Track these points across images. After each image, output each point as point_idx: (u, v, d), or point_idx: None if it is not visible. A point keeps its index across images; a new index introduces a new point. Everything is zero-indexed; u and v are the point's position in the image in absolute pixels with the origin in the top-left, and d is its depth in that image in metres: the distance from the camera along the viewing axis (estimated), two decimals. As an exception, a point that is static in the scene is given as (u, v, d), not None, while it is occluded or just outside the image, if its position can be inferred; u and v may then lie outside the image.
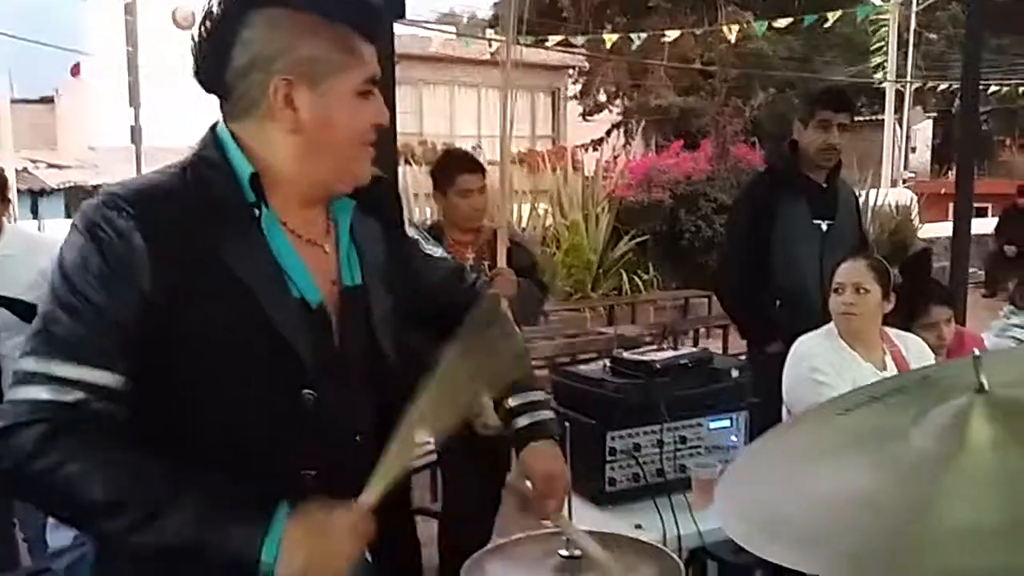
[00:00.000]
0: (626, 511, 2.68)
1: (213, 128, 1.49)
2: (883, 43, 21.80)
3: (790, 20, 15.84)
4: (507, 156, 3.95)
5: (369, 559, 1.60)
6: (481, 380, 1.50)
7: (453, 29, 17.56)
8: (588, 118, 20.83)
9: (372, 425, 1.58)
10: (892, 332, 3.29)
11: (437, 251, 1.81)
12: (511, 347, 1.61)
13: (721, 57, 16.17)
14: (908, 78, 21.88)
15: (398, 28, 4.28)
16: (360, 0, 1.48)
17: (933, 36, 24.52)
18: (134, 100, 11.57)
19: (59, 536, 2.79)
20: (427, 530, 4.04)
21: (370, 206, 1.60)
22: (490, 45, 15.28)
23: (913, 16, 22.20)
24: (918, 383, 1.37)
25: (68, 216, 13.26)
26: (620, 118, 20.82)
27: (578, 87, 21.34)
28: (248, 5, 1.41)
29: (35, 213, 14.62)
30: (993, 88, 20.23)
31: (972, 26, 5.27)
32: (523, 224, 10.89)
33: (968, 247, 5.17)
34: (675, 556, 1.81)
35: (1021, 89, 20.76)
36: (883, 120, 21.71)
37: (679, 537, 2.50)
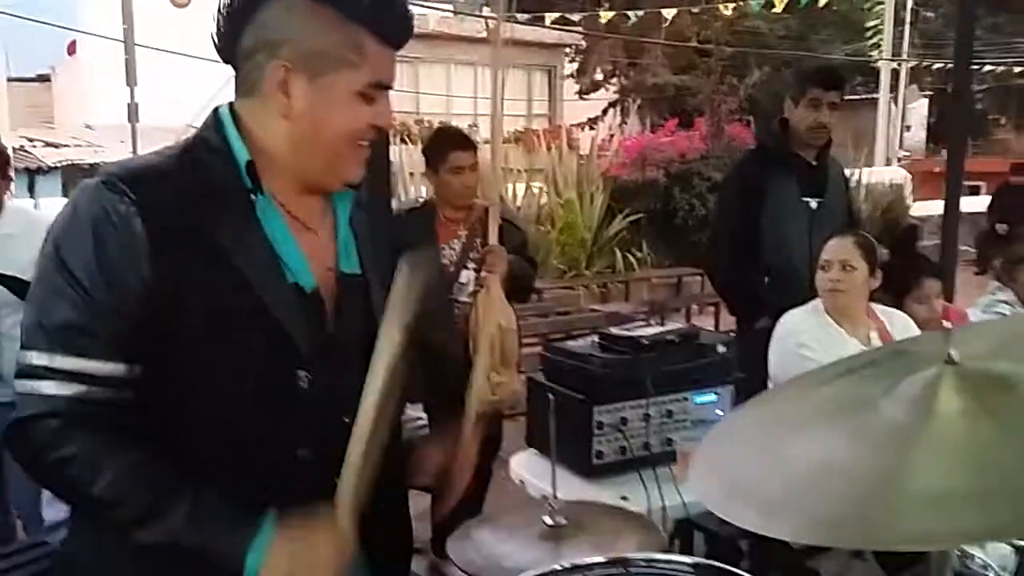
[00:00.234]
0: (613, 484, 2.72)
1: (216, 111, 1.51)
2: (879, 21, 21.74)
3: (787, -2, 15.80)
4: (498, 133, 3.97)
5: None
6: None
7: (450, 6, 17.43)
8: (585, 96, 20.76)
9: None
10: (878, 308, 3.33)
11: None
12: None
13: (717, 35, 16.08)
14: (904, 56, 21.81)
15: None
16: (384, 4, 1.45)
17: (930, 14, 24.48)
18: (131, 78, 11.49)
19: (55, 510, 2.81)
20: (420, 504, 4.08)
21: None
22: (486, 23, 15.23)
23: (910, -6, 22.14)
24: (892, 355, 1.40)
25: (65, 195, 13.23)
26: (617, 96, 20.75)
27: (575, 66, 21.25)
28: None
29: (31, 192, 14.57)
30: (988, 67, 20.16)
31: (965, 4, 5.26)
32: (518, 203, 10.90)
33: (958, 225, 5.19)
34: (656, 524, 1.85)
35: (1016, 68, 20.68)
36: (878, 99, 21.67)
37: (664, 508, 2.54)
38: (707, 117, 13.15)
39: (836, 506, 1.07)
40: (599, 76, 21.03)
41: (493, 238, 3.82)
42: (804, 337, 3.15)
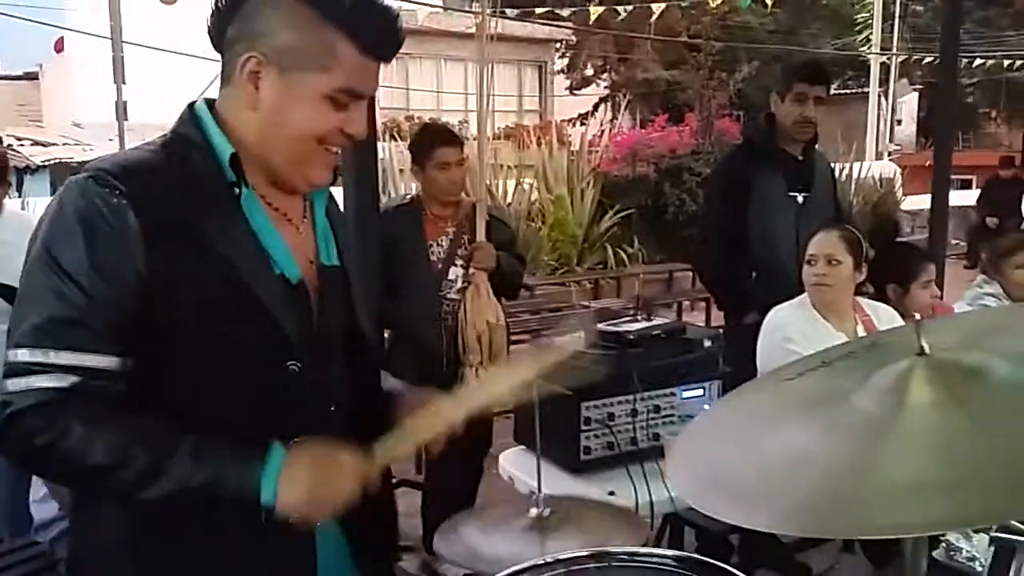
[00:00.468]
0: (600, 479, 2.73)
1: (191, 106, 1.51)
2: (869, 15, 21.77)
3: (776, -8, 15.79)
4: (484, 129, 3.98)
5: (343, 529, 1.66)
6: None
7: (439, 2, 17.42)
8: (576, 92, 20.77)
9: (347, 398, 1.64)
10: (864, 302, 3.35)
11: None
12: None
13: (707, 30, 16.11)
14: (894, 50, 21.85)
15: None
16: (367, 12, 1.45)
17: (919, 8, 24.49)
18: (119, 76, 11.47)
19: (44, 509, 2.81)
20: (413, 502, 4.11)
21: None
22: (476, 18, 15.18)
23: (899, -12, 22.17)
24: (867, 348, 1.41)
25: (54, 194, 13.17)
26: (607, 92, 20.77)
27: (565, 61, 21.26)
28: None
29: (19, 191, 14.51)
30: (979, 61, 20.21)
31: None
32: (508, 199, 10.91)
33: (946, 218, 5.23)
34: (642, 518, 1.86)
35: (1007, 61, 20.75)
36: (868, 93, 21.71)
37: (651, 503, 2.55)
38: (697, 112, 13.17)
39: (811, 496, 1.08)
40: (589, 71, 21.05)
41: (481, 234, 3.83)
42: (791, 331, 3.16)
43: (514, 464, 3.04)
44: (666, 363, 2.89)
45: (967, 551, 2.00)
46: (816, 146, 4.07)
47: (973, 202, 13.82)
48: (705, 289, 5.00)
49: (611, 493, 2.58)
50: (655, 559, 1.56)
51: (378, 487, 1.53)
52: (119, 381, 1.37)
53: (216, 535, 1.43)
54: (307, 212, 1.60)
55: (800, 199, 3.92)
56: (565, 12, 15.58)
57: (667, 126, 13.29)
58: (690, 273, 9.85)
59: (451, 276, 3.87)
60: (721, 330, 3.95)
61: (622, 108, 18.06)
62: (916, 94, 25.51)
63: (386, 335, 3.93)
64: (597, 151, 12.34)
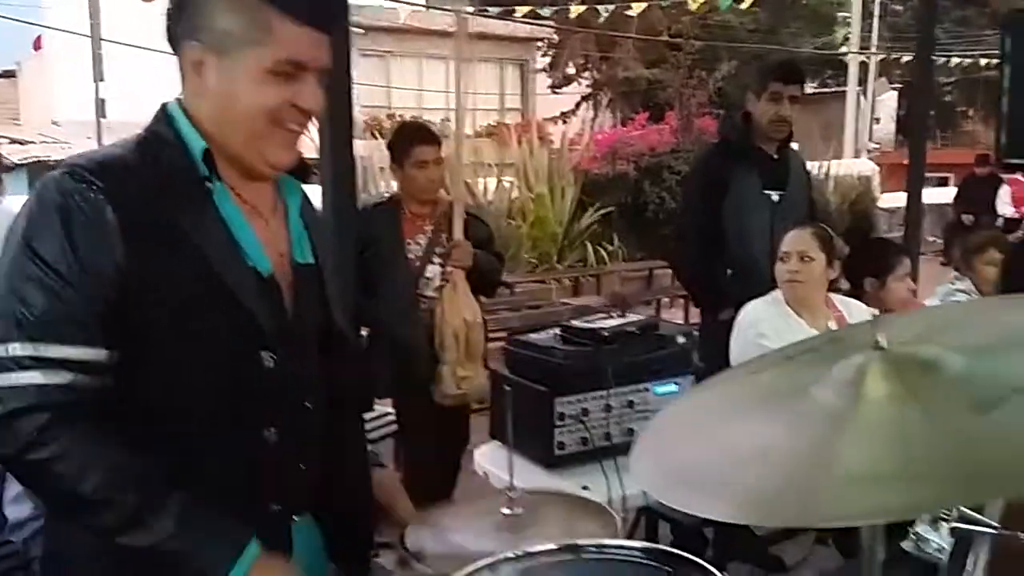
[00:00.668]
0: (574, 474, 2.75)
1: (164, 106, 1.53)
2: (848, 15, 21.89)
3: (756, -9, 15.85)
4: (461, 127, 3.99)
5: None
6: None
7: (421, 0, 17.41)
8: (557, 91, 20.79)
9: (323, 396, 1.66)
10: (836, 298, 3.39)
11: None
12: None
13: (687, 29, 16.17)
14: (873, 50, 21.98)
15: None
16: None
17: (898, 7, 24.66)
18: (98, 74, 11.43)
19: (18, 508, 2.79)
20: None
21: None
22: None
23: (878, -13, 22.31)
24: (828, 342, 1.44)
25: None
26: (589, 91, 20.80)
27: (547, 60, 21.27)
28: None
29: (-3, 189, 14.40)
30: (956, 59, 20.36)
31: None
32: (489, 197, 10.92)
33: (920, 215, 5.28)
34: (613, 512, 1.88)
35: (984, 60, 20.89)
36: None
37: (624, 498, 2.58)
38: (677, 111, 13.21)
39: (771, 487, 1.11)
40: (571, 70, 21.06)
41: (458, 232, 3.85)
42: (764, 327, 3.19)
43: (489, 460, 3.06)
44: (640, 359, 2.91)
45: (936, 543, 2.02)
46: (792, 144, 4.11)
47: (950, 199, 13.94)
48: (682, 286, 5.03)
49: (585, 488, 2.60)
50: (624, 551, 1.58)
51: (354, 483, 1.56)
52: (107, 377, 1.39)
53: None
54: (278, 206, 1.62)
55: (775, 197, 3.95)
56: (547, 11, 15.60)
57: (647, 124, 13.34)
58: (669, 270, 9.87)
59: (428, 274, 3.88)
60: (697, 327, 3.98)
61: (603, 106, 18.10)
62: (895, 93, 25.67)
63: (363, 333, 3.93)
64: (578, 149, 12.36)
